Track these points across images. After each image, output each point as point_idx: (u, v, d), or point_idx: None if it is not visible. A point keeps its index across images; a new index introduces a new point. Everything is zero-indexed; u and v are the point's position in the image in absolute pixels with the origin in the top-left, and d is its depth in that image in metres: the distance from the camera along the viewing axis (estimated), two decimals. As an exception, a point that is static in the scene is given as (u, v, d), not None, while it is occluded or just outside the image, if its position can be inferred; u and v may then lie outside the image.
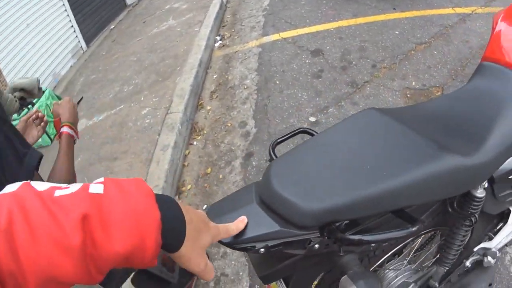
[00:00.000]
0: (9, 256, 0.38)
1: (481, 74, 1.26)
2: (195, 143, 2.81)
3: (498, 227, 1.36)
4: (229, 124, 2.87)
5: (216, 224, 0.62)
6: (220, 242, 0.64)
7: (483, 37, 3.36)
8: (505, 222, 1.35)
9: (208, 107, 3.13)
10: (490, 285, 1.36)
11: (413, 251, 1.32)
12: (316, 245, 0.77)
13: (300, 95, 2.97)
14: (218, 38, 3.96)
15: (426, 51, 3.24)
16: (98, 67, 4.42)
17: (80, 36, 5.19)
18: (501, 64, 1.23)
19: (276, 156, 0.99)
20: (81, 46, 5.20)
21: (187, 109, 3.02)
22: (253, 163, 2.45)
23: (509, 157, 1.07)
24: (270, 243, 0.72)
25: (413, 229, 0.74)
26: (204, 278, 0.59)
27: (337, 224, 0.77)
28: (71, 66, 4.84)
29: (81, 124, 3.36)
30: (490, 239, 1.34)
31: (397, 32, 3.53)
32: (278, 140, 1.03)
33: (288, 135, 1.04)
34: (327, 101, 2.85)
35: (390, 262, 1.29)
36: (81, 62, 4.90)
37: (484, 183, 1.04)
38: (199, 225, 0.56)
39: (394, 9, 3.90)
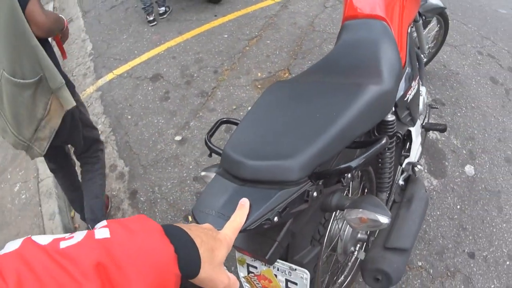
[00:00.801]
0: None
1: (346, 31, 1.46)
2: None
3: (407, 146, 1.56)
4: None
5: (222, 231, 0.59)
6: None
7: (308, 15, 3.77)
8: (411, 140, 1.57)
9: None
10: (425, 190, 1.53)
11: (354, 192, 1.46)
12: (315, 193, 0.82)
13: (156, 121, 3.06)
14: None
15: (259, 43, 3.55)
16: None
17: None
18: (361, 18, 1.45)
19: (214, 147, 1.02)
20: None
21: None
22: (141, 198, 2.49)
23: (398, 83, 1.29)
24: (279, 209, 0.72)
25: (383, 141, 0.89)
26: None
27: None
28: None
29: None
30: (407, 157, 1.53)
31: (226, 36, 3.76)
32: (210, 134, 1.03)
33: (214, 128, 1.05)
34: (184, 117, 2.97)
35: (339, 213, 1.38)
36: None
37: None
38: (210, 243, 0.53)
39: (216, 16, 4.08)
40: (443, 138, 2.45)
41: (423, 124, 1.89)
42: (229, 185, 0.78)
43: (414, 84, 1.50)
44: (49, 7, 6.95)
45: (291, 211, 0.77)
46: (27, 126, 1.61)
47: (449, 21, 2.62)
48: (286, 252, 0.94)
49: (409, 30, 1.69)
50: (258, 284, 1.03)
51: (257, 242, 0.86)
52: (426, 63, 2.87)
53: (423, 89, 1.88)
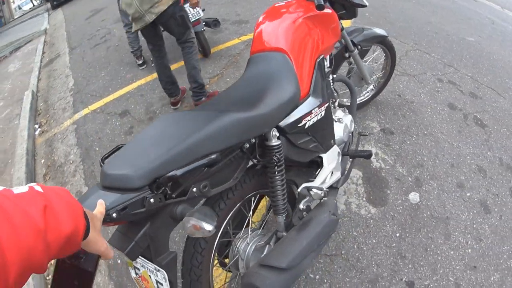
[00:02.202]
0: None
1: (249, 64, 1.56)
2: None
3: (317, 173, 1.66)
4: (66, 198, 3.13)
5: (94, 212, 0.78)
6: None
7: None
8: (320, 166, 1.67)
9: None
10: (333, 214, 1.51)
11: (251, 217, 1.51)
12: (152, 200, 0.94)
13: None
14: (36, 126, 4.16)
15: (220, 81, 3.79)
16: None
17: None
18: (264, 51, 1.54)
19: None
20: None
21: None
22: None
23: (288, 112, 1.40)
24: (118, 208, 0.88)
25: (212, 156, 1.04)
26: (107, 257, 0.74)
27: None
28: None
29: None
30: (313, 181, 1.61)
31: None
32: (105, 155, 1.13)
33: (112, 151, 1.14)
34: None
35: (237, 236, 1.50)
36: None
37: (273, 133, 1.33)
38: (91, 215, 0.71)
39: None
40: (388, 167, 2.43)
41: (347, 151, 1.89)
42: (96, 189, 0.95)
43: (318, 110, 1.53)
44: (41, 40, 7.36)
45: (131, 212, 0.91)
46: (147, 3, 2.69)
47: (413, 51, 2.65)
48: (150, 253, 1.07)
49: (326, 60, 1.76)
50: (142, 285, 1.17)
51: (121, 240, 1.02)
52: (377, 93, 2.90)
53: (346, 118, 1.90)
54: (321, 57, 1.64)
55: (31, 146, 3.91)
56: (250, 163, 1.37)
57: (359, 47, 2.30)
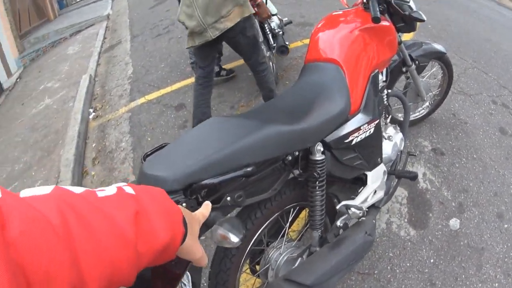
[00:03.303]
0: (68, 263, 0.36)
1: (302, 73, 1.55)
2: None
3: (360, 190, 1.63)
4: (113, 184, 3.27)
5: (196, 212, 0.70)
6: None
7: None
8: (363, 184, 1.63)
9: (93, 173, 3.48)
10: (369, 235, 1.49)
11: (288, 227, 1.49)
12: (184, 204, 0.94)
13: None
14: (91, 110, 4.36)
15: (279, 84, 3.64)
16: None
17: None
18: (317, 61, 1.54)
19: None
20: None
21: (74, 177, 3.36)
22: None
23: (335, 127, 1.38)
24: None
25: (248, 169, 1.02)
26: (202, 264, 0.65)
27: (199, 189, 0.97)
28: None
29: None
30: (354, 199, 1.59)
31: (250, 74, 3.85)
32: (148, 153, 1.11)
33: (155, 149, 1.13)
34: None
35: (272, 245, 1.49)
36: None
37: (317, 148, 1.31)
38: (188, 217, 0.61)
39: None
40: (433, 189, 2.35)
41: (393, 170, 1.85)
42: None
43: (367, 127, 1.51)
44: (103, 25, 7.60)
45: None
46: (212, 16, 2.30)
47: (471, 70, 2.54)
48: None
49: (381, 74, 1.74)
50: None
51: None
52: (432, 110, 2.81)
53: (396, 135, 1.85)
54: (375, 71, 1.61)
55: (83, 129, 4.10)
56: (291, 175, 1.36)
57: (417, 62, 2.24)
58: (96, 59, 5.72)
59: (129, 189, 0.50)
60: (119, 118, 4.02)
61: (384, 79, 1.84)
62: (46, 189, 0.40)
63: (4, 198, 0.35)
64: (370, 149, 1.60)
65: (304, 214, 1.65)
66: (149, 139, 3.54)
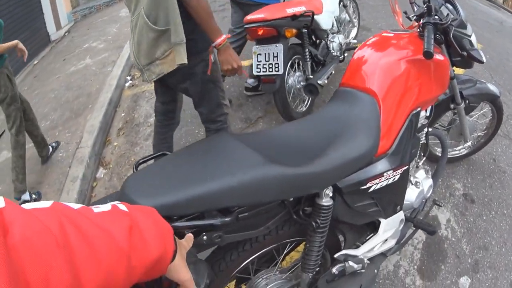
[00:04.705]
0: (66, 270, 0.39)
1: (334, 97, 1.41)
2: (102, 176, 3.13)
3: (368, 238, 1.47)
4: (132, 159, 3.15)
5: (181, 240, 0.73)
6: None
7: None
8: (376, 233, 1.46)
9: (115, 143, 3.51)
10: (362, 286, 1.42)
11: (280, 260, 1.36)
12: None
13: (197, 131, 3.24)
14: (128, 78, 4.38)
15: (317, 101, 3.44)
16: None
17: None
18: (353, 88, 1.38)
19: None
20: (3, 81, 5.37)
21: (96, 145, 3.41)
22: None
23: (354, 171, 1.22)
24: None
25: (225, 219, 0.91)
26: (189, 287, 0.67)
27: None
28: (-7, 102, 5.03)
29: (3, 156, 3.72)
30: (358, 247, 1.43)
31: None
32: (141, 161, 1.05)
33: (150, 157, 1.07)
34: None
35: (262, 272, 1.37)
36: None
37: (326, 192, 1.16)
38: (176, 239, 0.66)
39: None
40: (453, 239, 2.18)
41: (414, 218, 1.70)
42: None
43: (392, 174, 1.35)
44: None
45: None
46: (144, 57, 1.88)
47: None
48: None
49: (426, 112, 1.57)
50: None
51: None
52: (473, 152, 2.61)
53: (425, 181, 1.70)
54: (417, 110, 1.43)
55: (116, 96, 4.12)
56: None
57: (467, 101, 2.05)
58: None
59: (122, 207, 0.54)
60: (154, 91, 3.95)
61: (427, 116, 1.66)
62: (46, 204, 0.43)
63: (7, 208, 0.38)
64: (391, 196, 1.44)
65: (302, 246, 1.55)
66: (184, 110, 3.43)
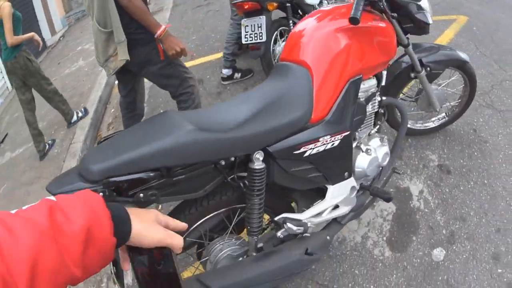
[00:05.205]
0: None
1: (272, 73, 1.49)
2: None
3: (316, 203, 1.53)
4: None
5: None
6: None
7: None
8: (322, 198, 1.52)
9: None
10: (307, 251, 1.44)
11: (230, 228, 1.46)
12: (101, 194, 0.99)
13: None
14: (118, 76, 4.49)
15: None
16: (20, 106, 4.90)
17: (6, 77, 5.48)
18: (289, 61, 1.45)
19: None
20: (7, 87, 5.60)
21: (87, 139, 3.55)
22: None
23: (284, 136, 1.28)
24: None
25: (151, 174, 1.04)
26: (171, 246, 0.67)
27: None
28: (-2, 106, 5.25)
29: (6, 157, 3.92)
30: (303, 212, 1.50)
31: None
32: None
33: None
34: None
35: (218, 238, 1.48)
36: (6, 101, 5.33)
37: (256, 156, 1.24)
38: (137, 210, 0.68)
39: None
40: (426, 210, 2.14)
41: (369, 185, 1.69)
42: (73, 172, 1.04)
43: (329, 139, 1.38)
44: None
45: None
46: (101, 55, 2.25)
47: (509, 82, 2.26)
48: None
49: (373, 79, 1.60)
50: None
51: None
52: (448, 122, 2.55)
53: (380, 149, 1.68)
54: (357, 77, 1.45)
55: (106, 95, 4.23)
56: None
57: (428, 68, 2.01)
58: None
59: (51, 197, 0.55)
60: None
61: (378, 85, 1.67)
62: None
63: None
64: (333, 162, 1.46)
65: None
66: (161, 110, 3.58)
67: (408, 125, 2.42)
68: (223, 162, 1.20)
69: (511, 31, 3.89)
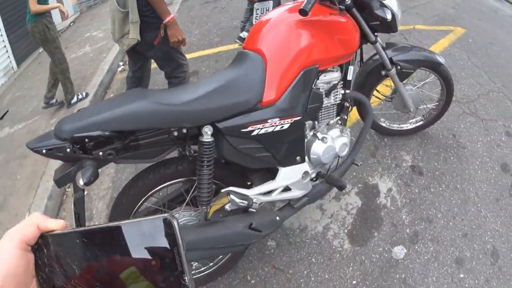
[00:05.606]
0: None
1: (233, 60, 1.60)
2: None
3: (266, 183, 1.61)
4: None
5: None
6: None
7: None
8: (271, 178, 1.61)
9: None
10: (251, 225, 1.53)
11: (188, 199, 1.56)
12: (68, 149, 1.19)
13: None
14: (121, 63, 4.59)
15: None
16: (24, 86, 5.06)
17: (12, 57, 5.68)
18: (248, 50, 1.57)
19: None
20: (12, 67, 5.70)
21: None
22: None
23: (231, 114, 1.39)
24: (48, 147, 1.17)
25: (106, 133, 1.21)
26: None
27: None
28: (1, 84, 5.38)
29: (4, 132, 4.01)
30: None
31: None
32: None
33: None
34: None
35: (176, 208, 1.59)
36: (11, 81, 5.47)
37: (205, 130, 1.35)
38: None
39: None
40: (392, 208, 2.17)
41: (325, 173, 1.73)
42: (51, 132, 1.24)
43: (278, 122, 1.48)
44: None
45: (55, 153, 1.20)
46: (117, 32, 2.47)
47: (496, 93, 2.27)
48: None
49: (335, 72, 1.68)
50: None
51: (57, 173, 1.28)
52: (425, 125, 2.57)
53: (338, 140, 1.74)
54: (312, 67, 1.54)
55: (107, 80, 4.34)
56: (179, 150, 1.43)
57: (399, 67, 2.05)
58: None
59: None
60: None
61: (343, 77, 1.74)
62: None
63: None
64: (282, 144, 1.53)
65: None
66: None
67: (384, 125, 2.47)
68: (175, 133, 1.35)
69: (506, 46, 3.90)
